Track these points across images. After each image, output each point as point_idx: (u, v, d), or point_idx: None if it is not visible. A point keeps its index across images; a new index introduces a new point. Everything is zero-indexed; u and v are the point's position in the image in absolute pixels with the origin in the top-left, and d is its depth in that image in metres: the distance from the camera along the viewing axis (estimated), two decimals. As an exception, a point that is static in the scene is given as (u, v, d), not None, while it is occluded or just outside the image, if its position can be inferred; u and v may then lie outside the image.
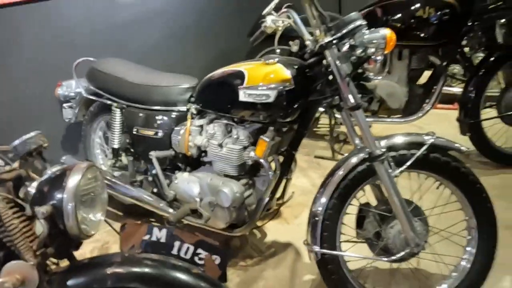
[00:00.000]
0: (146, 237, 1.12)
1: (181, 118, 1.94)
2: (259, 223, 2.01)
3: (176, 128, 1.94)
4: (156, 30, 2.96)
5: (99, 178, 1.08)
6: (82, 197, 1.02)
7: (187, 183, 1.91)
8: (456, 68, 3.19)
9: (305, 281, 1.88)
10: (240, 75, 1.65)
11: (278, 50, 1.83)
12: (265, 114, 1.65)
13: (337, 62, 1.46)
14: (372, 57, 1.46)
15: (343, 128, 2.83)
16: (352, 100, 1.47)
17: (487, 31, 2.46)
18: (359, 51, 1.46)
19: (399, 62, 2.54)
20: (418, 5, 2.37)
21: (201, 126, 1.90)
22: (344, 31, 1.46)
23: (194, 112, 1.91)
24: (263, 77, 1.59)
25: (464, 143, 2.54)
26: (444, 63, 2.44)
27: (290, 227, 2.25)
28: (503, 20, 2.33)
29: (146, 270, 1.03)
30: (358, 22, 1.46)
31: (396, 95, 2.58)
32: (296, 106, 1.61)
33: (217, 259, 1.12)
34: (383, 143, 1.53)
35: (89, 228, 1.03)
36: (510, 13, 2.28)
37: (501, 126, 2.52)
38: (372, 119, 2.75)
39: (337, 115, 1.64)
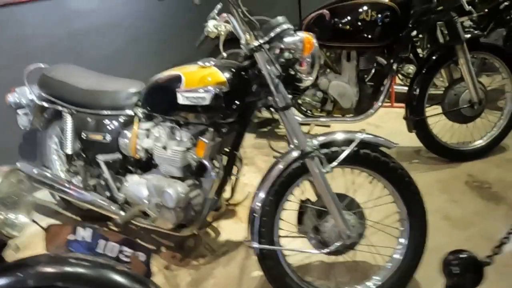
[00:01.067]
0: (71, 237, 1.15)
1: (129, 122, 1.98)
2: (214, 224, 2.06)
3: (123, 132, 1.98)
4: (112, 39, 2.98)
5: (24, 181, 1.12)
6: (3, 199, 1.05)
7: (136, 186, 1.94)
8: (411, 68, 3.30)
9: (253, 278, 1.93)
10: (178, 79, 1.69)
11: (225, 54, 1.90)
12: (204, 116, 1.70)
13: (266, 65, 1.53)
14: (300, 59, 1.53)
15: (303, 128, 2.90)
16: (281, 101, 1.54)
17: (429, 32, 2.58)
18: (286, 54, 1.53)
19: (348, 63, 2.63)
20: (362, 9, 2.47)
21: (148, 130, 1.94)
22: (272, 34, 1.52)
23: (141, 115, 1.95)
24: (199, 80, 1.64)
25: (413, 140, 2.63)
26: (391, 62, 2.54)
27: (244, 226, 2.28)
28: (442, 22, 2.44)
29: (69, 269, 1.05)
30: (284, 26, 1.53)
31: (347, 95, 2.67)
32: (233, 107, 1.67)
33: (141, 256, 1.16)
34: (316, 141, 1.60)
35: (11, 229, 1.07)
36: (447, 15, 2.39)
37: (445, 123, 2.64)
38: (327, 119, 2.84)
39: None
